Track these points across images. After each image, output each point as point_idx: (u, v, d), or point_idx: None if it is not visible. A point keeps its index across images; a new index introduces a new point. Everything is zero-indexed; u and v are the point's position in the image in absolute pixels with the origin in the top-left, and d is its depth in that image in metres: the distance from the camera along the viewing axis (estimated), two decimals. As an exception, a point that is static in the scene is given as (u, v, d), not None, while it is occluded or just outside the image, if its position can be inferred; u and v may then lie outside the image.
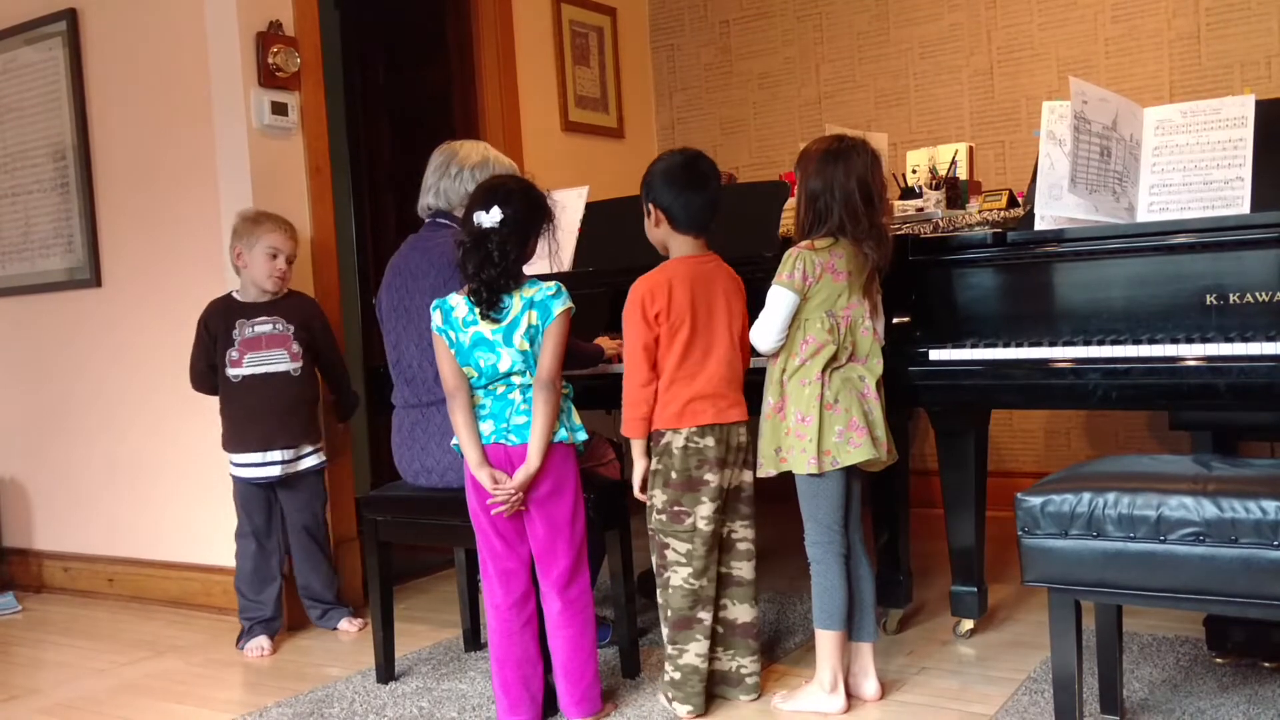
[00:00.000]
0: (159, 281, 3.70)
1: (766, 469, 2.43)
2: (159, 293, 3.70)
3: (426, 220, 2.85)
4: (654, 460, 2.46)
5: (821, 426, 2.34)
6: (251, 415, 3.21)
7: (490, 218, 2.33)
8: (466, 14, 4.38)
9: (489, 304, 2.34)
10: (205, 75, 3.48)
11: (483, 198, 2.38)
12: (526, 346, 2.36)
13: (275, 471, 3.22)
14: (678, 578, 2.45)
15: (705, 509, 2.42)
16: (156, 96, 3.65)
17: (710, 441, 2.42)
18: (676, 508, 2.44)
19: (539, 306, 2.36)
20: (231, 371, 3.21)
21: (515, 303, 2.36)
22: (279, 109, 3.44)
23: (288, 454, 3.24)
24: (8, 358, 4.22)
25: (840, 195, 2.37)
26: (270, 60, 3.40)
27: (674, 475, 2.43)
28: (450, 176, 2.80)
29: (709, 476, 2.42)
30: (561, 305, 2.38)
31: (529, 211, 2.40)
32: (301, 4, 3.55)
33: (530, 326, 2.35)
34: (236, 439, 3.23)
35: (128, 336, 3.82)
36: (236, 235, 3.23)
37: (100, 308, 3.90)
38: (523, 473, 2.35)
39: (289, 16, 3.51)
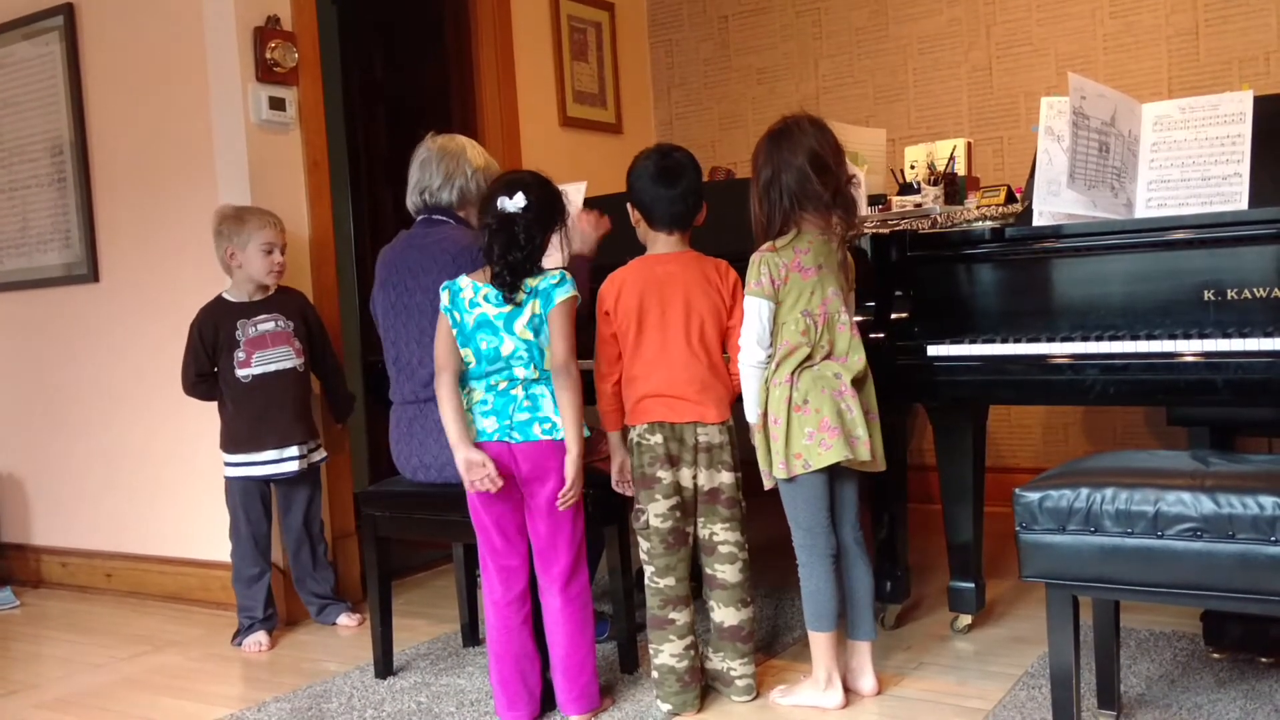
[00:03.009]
0: (157, 276, 3.70)
1: (765, 480, 2.41)
2: (157, 288, 3.70)
3: (420, 217, 2.85)
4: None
5: (790, 428, 2.32)
6: (266, 413, 3.21)
7: (514, 203, 2.34)
8: (465, 9, 4.38)
9: (512, 287, 2.34)
10: (203, 70, 3.48)
11: (505, 186, 2.38)
12: (530, 336, 2.36)
13: (293, 467, 3.23)
14: (646, 576, 2.47)
15: (658, 506, 2.43)
16: (154, 91, 3.64)
17: (658, 439, 2.42)
18: (637, 505, 2.47)
19: (541, 295, 2.37)
20: (241, 372, 3.21)
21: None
22: (277, 104, 3.44)
23: (303, 449, 3.26)
24: (6, 353, 4.21)
25: (790, 174, 2.33)
26: (268, 55, 3.40)
27: (634, 472, 2.47)
28: (466, 176, 2.82)
29: (660, 474, 2.42)
30: (564, 293, 2.38)
31: (549, 202, 2.42)
32: (299, -1, 3.55)
33: (534, 315, 2.36)
34: (250, 438, 3.21)
35: (125, 331, 3.82)
36: (223, 235, 3.21)
37: (98, 303, 3.89)
38: (571, 465, 2.35)
39: (287, 11, 3.50)
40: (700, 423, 2.42)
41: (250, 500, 3.24)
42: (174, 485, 3.72)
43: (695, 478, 2.44)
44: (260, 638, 3.19)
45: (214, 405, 3.31)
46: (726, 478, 2.45)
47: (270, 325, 3.24)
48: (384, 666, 2.83)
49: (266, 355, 3.22)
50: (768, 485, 2.41)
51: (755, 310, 2.35)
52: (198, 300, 3.34)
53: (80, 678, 3.05)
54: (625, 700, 2.55)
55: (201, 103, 3.49)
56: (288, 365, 3.25)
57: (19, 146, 4.05)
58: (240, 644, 3.20)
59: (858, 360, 2.36)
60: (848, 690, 2.44)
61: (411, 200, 2.85)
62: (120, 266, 3.82)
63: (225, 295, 3.28)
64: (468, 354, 2.40)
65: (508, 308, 2.35)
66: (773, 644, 2.84)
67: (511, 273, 2.34)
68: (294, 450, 3.23)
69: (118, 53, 3.74)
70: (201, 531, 3.63)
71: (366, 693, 2.73)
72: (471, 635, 3.07)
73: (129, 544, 3.88)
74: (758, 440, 2.39)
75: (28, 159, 4.03)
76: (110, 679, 3.02)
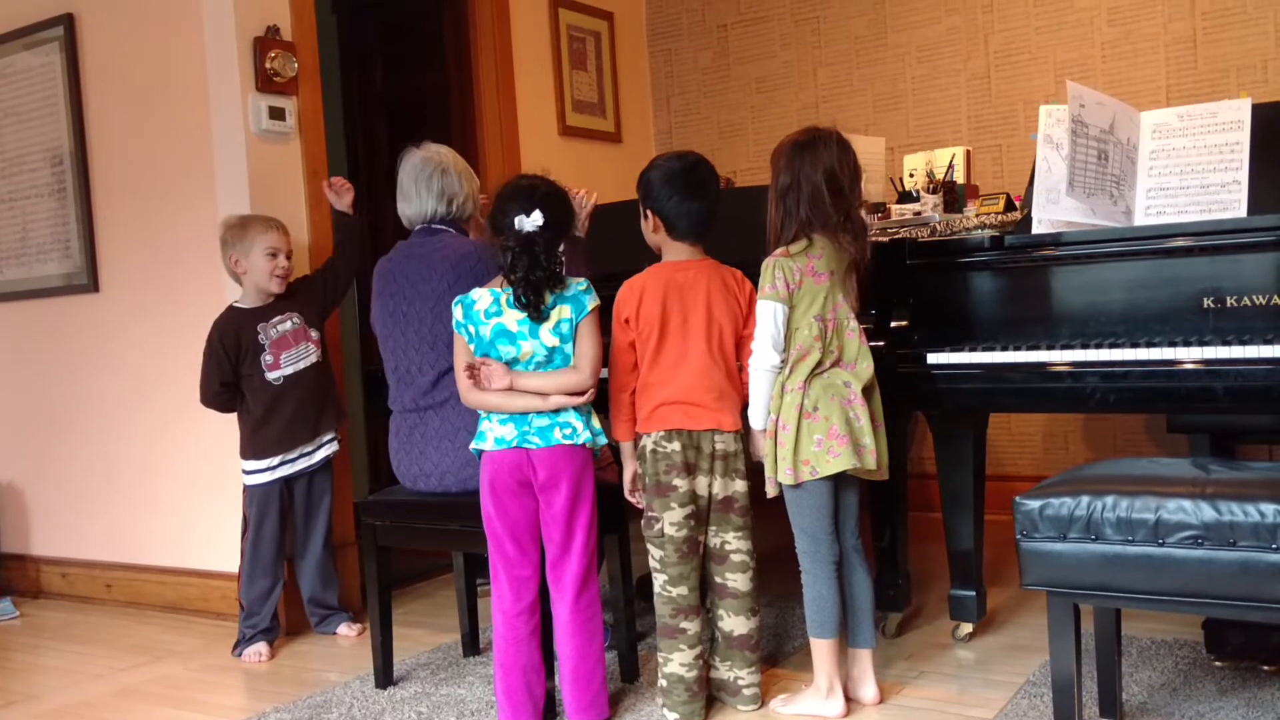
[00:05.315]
0: (157, 287, 3.70)
1: (769, 487, 2.40)
2: (157, 298, 3.70)
3: (418, 227, 2.85)
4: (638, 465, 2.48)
5: (799, 435, 2.32)
6: (300, 410, 3.24)
7: (532, 221, 2.33)
8: (464, 18, 4.39)
9: (535, 306, 2.34)
10: (203, 80, 3.48)
11: (522, 201, 2.36)
12: (555, 342, 2.36)
13: (323, 454, 3.31)
14: (657, 584, 2.46)
15: (673, 515, 2.41)
16: (154, 101, 3.65)
17: (676, 446, 2.41)
18: (649, 513, 2.45)
19: (572, 301, 2.38)
20: (271, 375, 3.22)
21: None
22: (276, 114, 3.44)
23: (326, 436, 3.33)
24: (5, 363, 4.21)
25: (807, 189, 2.34)
26: (268, 65, 3.40)
27: (647, 480, 2.45)
28: (474, 191, 2.86)
29: (676, 482, 2.41)
30: (595, 301, 2.40)
31: (565, 213, 2.42)
32: (299, 9, 3.55)
33: (561, 320, 2.36)
34: (283, 439, 3.23)
35: (125, 342, 3.82)
36: (228, 244, 3.22)
37: (98, 313, 3.89)
38: (523, 378, 2.36)
39: (287, 21, 3.51)
40: (718, 430, 2.42)
41: (273, 507, 3.24)
42: (174, 495, 3.71)
43: (711, 486, 2.43)
44: (260, 648, 3.18)
45: (213, 413, 3.30)
46: (740, 486, 2.45)
47: (288, 324, 3.26)
48: (384, 677, 2.82)
49: (292, 354, 3.24)
50: (772, 493, 2.40)
51: (769, 314, 2.35)
52: (198, 310, 3.34)
53: (79, 688, 3.05)
54: (627, 710, 2.54)
55: (201, 112, 3.50)
56: (312, 361, 3.28)
57: (19, 156, 4.05)
58: (240, 654, 3.19)
59: (866, 367, 2.38)
60: (849, 699, 2.43)
61: (429, 207, 2.81)
62: (120, 276, 3.82)
63: (236, 304, 3.27)
64: None
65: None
66: (775, 653, 2.84)
67: (535, 292, 2.33)
68: (323, 439, 3.32)
69: (118, 63, 3.74)
70: (202, 541, 3.62)
71: (367, 703, 2.72)
72: (472, 645, 3.06)
73: (129, 554, 3.88)
74: (767, 446, 2.39)
75: (28, 169, 4.03)
76: (110, 689, 3.02)
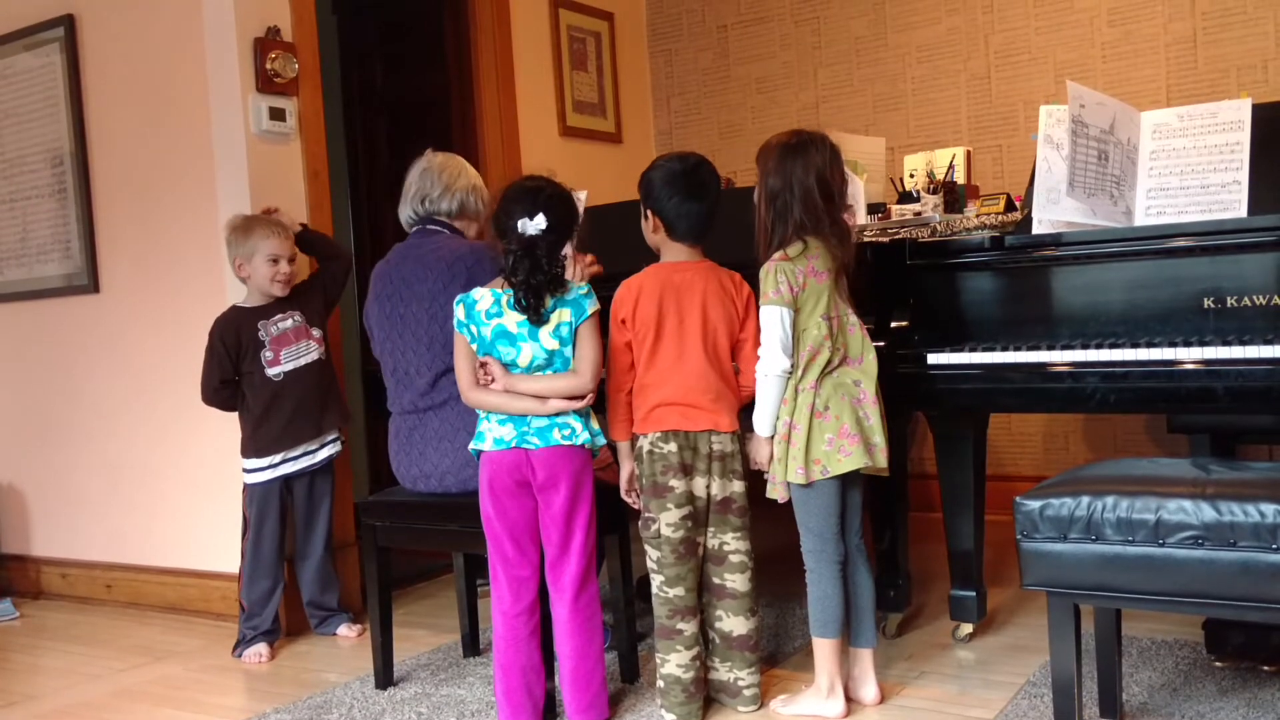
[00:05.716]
0: (157, 287, 3.70)
1: (778, 491, 2.39)
2: (157, 298, 3.70)
3: (414, 229, 2.86)
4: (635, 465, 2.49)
5: (810, 435, 2.32)
6: (301, 407, 3.25)
7: (536, 225, 2.32)
8: (464, 19, 4.39)
9: (535, 309, 2.34)
10: (203, 81, 3.48)
11: (525, 204, 2.35)
12: (554, 345, 2.36)
13: (326, 453, 3.32)
14: (655, 585, 2.46)
15: (670, 516, 2.41)
16: (154, 102, 3.65)
17: (673, 447, 2.41)
18: (646, 514, 2.45)
19: (572, 305, 2.38)
20: (271, 371, 3.22)
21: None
22: (277, 114, 3.44)
23: (330, 435, 3.33)
24: (6, 363, 4.21)
25: (799, 192, 2.34)
26: (268, 66, 3.41)
27: (643, 481, 2.45)
28: (465, 190, 2.87)
29: (674, 483, 2.41)
30: (595, 304, 2.39)
31: (568, 216, 2.41)
32: (299, 9, 3.55)
33: (561, 323, 2.36)
34: (284, 436, 3.23)
35: (126, 342, 3.82)
36: (231, 246, 3.23)
37: (98, 314, 3.89)
38: (518, 380, 2.36)
39: (287, 22, 3.51)
40: (715, 431, 2.42)
41: (273, 508, 3.24)
42: (174, 496, 3.71)
43: (709, 487, 2.43)
44: (261, 649, 3.18)
45: (214, 414, 3.31)
46: (738, 486, 2.45)
47: (289, 323, 3.26)
48: (384, 677, 2.82)
49: (293, 351, 3.25)
50: (783, 498, 2.39)
51: (776, 318, 2.34)
52: (199, 311, 3.34)
53: (79, 689, 3.05)
54: (627, 711, 2.54)
55: (202, 113, 3.50)
56: (313, 358, 3.29)
57: (20, 157, 4.05)
58: (241, 655, 3.19)
59: (872, 360, 2.39)
60: (849, 699, 2.43)
61: (408, 210, 2.88)
62: (120, 277, 3.82)
63: (239, 305, 3.28)
64: None
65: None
66: (775, 653, 2.84)
67: (535, 295, 2.33)
68: (326, 437, 3.32)
69: (118, 63, 3.75)
70: (202, 542, 3.62)
71: (367, 703, 2.72)
72: (472, 645, 3.06)
73: (129, 555, 3.88)
74: (778, 449, 2.38)
75: (28, 169, 4.03)
76: (109, 690, 3.02)
